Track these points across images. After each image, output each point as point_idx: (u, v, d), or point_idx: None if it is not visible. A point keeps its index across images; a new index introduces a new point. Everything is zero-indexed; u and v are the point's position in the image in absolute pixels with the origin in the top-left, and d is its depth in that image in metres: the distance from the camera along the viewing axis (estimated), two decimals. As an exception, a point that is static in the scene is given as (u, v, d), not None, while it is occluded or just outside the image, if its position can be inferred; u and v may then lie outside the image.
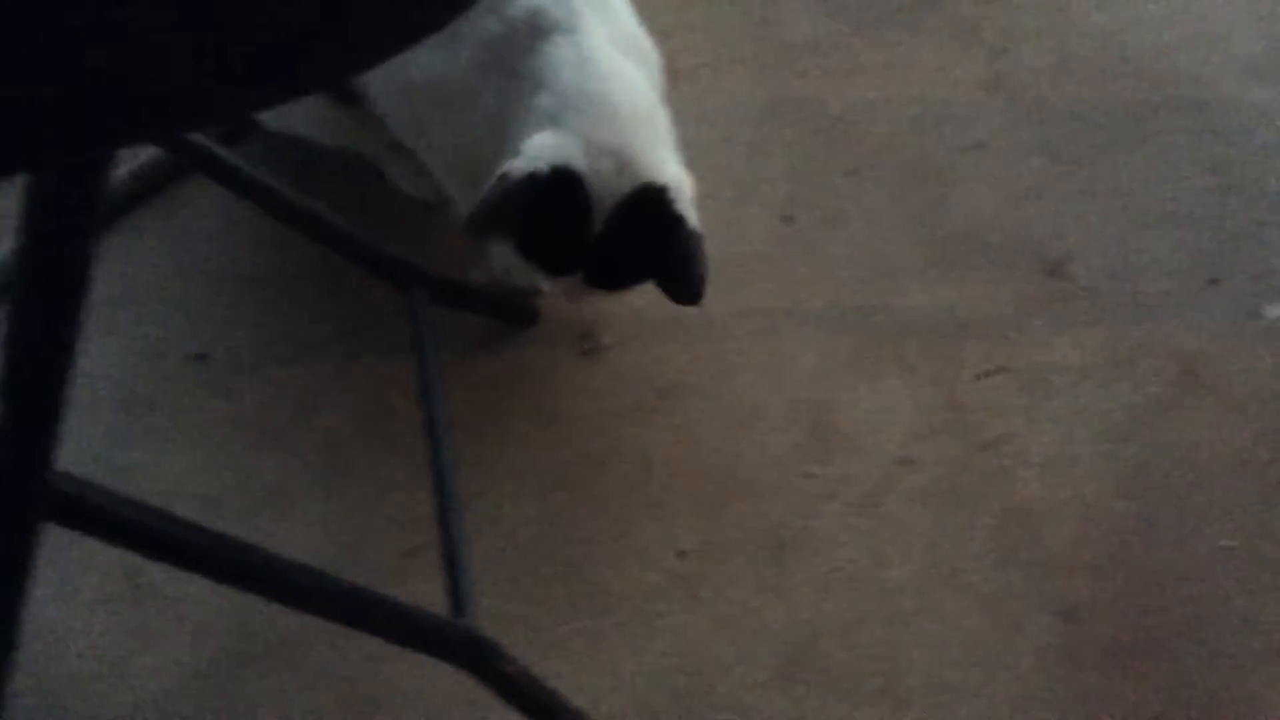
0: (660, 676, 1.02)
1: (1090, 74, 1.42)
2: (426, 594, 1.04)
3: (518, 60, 1.06)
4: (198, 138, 0.98)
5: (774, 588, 1.06)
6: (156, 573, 1.08)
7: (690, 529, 1.10)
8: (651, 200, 1.03)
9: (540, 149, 1.02)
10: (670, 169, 1.06)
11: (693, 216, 1.05)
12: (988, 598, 1.05)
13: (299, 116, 1.26)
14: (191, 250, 1.31)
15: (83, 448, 1.17)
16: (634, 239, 1.04)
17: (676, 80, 1.46)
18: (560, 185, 1.02)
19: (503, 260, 1.25)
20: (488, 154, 1.12)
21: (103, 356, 1.24)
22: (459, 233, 1.03)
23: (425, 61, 1.08)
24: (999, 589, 1.05)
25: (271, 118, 1.30)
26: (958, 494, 1.11)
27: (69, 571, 1.09)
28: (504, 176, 1.01)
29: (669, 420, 1.18)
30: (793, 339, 1.23)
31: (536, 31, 1.06)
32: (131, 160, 1.32)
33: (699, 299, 1.05)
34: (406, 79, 1.11)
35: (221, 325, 1.24)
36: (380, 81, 1.14)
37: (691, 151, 1.39)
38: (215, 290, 1.27)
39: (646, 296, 1.26)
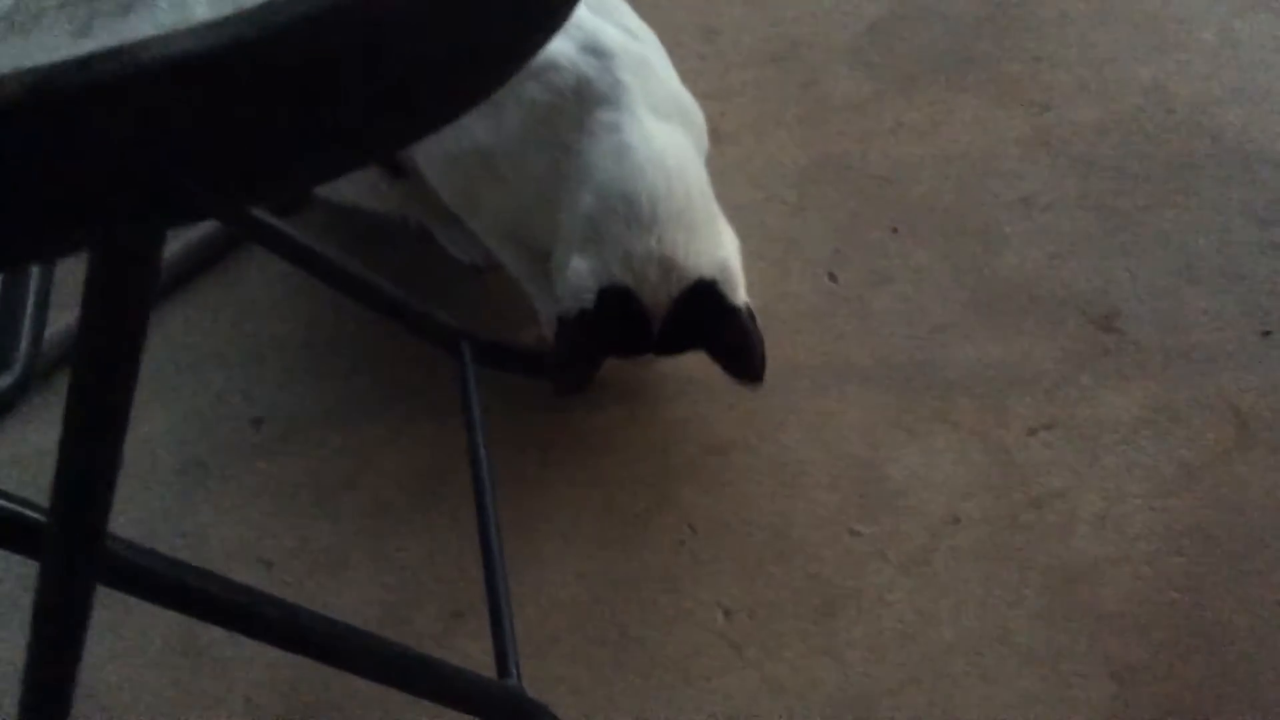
0: (707, 738, 1.01)
1: (1135, 128, 1.42)
2: (473, 655, 1.05)
3: (566, 133, 1.09)
4: (253, 210, 1.02)
5: (823, 648, 1.06)
6: (213, 636, 1.11)
7: (737, 588, 1.10)
8: (703, 294, 1.08)
9: (581, 279, 1.07)
10: (717, 253, 1.10)
11: (742, 297, 1.10)
12: (1039, 658, 1.03)
13: (350, 186, 1.30)
14: (248, 319, 1.35)
15: (144, 512, 1.21)
16: (695, 324, 1.09)
17: (720, 143, 1.48)
18: (613, 303, 1.06)
19: (554, 321, 1.27)
20: (536, 220, 1.15)
21: (164, 423, 1.27)
22: (552, 392, 1.12)
23: (470, 131, 1.12)
24: (1051, 649, 1.03)
25: (325, 189, 1.34)
26: (1007, 552, 1.10)
27: (129, 633, 1.11)
28: (561, 321, 1.08)
29: (715, 479, 1.18)
30: (839, 396, 1.23)
31: (582, 103, 1.08)
32: (189, 233, 1.36)
33: (760, 378, 1.10)
34: (453, 149, 1.14)
35: (276, 391, 1.27)
36: (426, 152, 1.17)
37: (736, 212, 1.41)
38: (270, 357, 1.31)
39: (694, 354, 1.27)
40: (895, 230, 1.36)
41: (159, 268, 0.47)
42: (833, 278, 1.33)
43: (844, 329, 1.29)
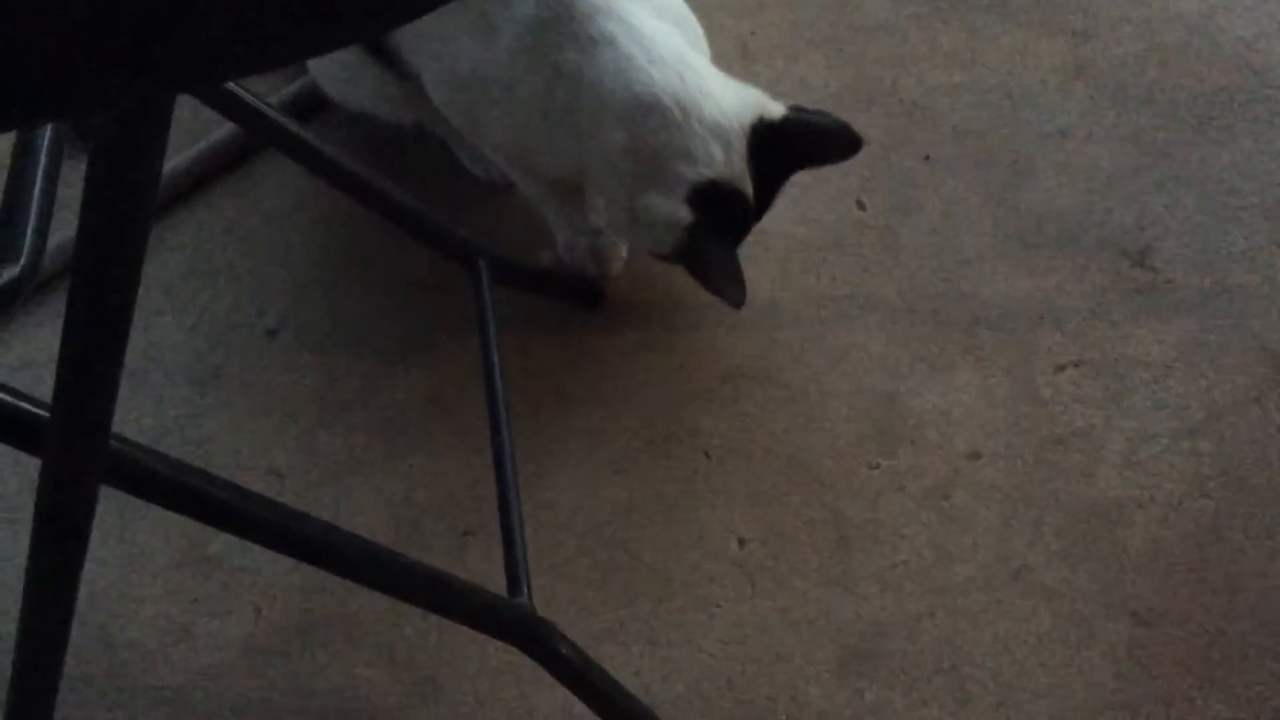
0: (716, 665, 1.00)
1: (1178, 61, 1.37)
2: (483, 574, 1.03)
3: (558, 51, 1.05)
4: (272, 113, 0.99)
5: (836, 579, 1.04)
6: (222, 545, 1.10)
7: (752, 518, 1.09)
8: (762, 134, 1.07)
9: (664, 208, 1.05)
10: (745, 96, 1.10)
11: (780, 107, 1.11)
12: (1058, 597, 1.02)
13: (367, 93, 1.27)
14: (263, 228, 1.33)
15: (155, 420, 1.19)
16: (775, 162, 1.09)
17: (749, 63, 1.44)
18: (705, 200, 1.05)
19: (572, 246, 1.24)
20: (543, 148, 1.12)
21: (175, 332, 1.26)
22: (735, 306, 1.08)
23: (467, 51, 1.08)
24: (1070, 589, 1.02)
25: (340, 94, 1.31)
26: (1029, 489, 1.08)
27: (137, 540, 1.10)
28: (687, 253, 1.07)
29: (733, 407, 1.16)
30: (863, 327, 1.20)
31: (573, 13, 1.05)
32: (205, 138, 1.33)
33: (859, 140, 1.11)
34: (452, 72, 1.11)
35: (291, 302, 1.25)
36: (430, 74, 1.14)
37: (763, 135, 1.37)
38: (286, 267, 1.28)
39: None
40: (927, 159, 1.32)
41: (162, 146, 0.44)
42: (861, 206, 1.30)
43: (870, 259, 1.26)
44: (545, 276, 1.24)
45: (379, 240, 1.25)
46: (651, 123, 1.04)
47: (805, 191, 1.31)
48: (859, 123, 1.36)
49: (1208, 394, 1.12)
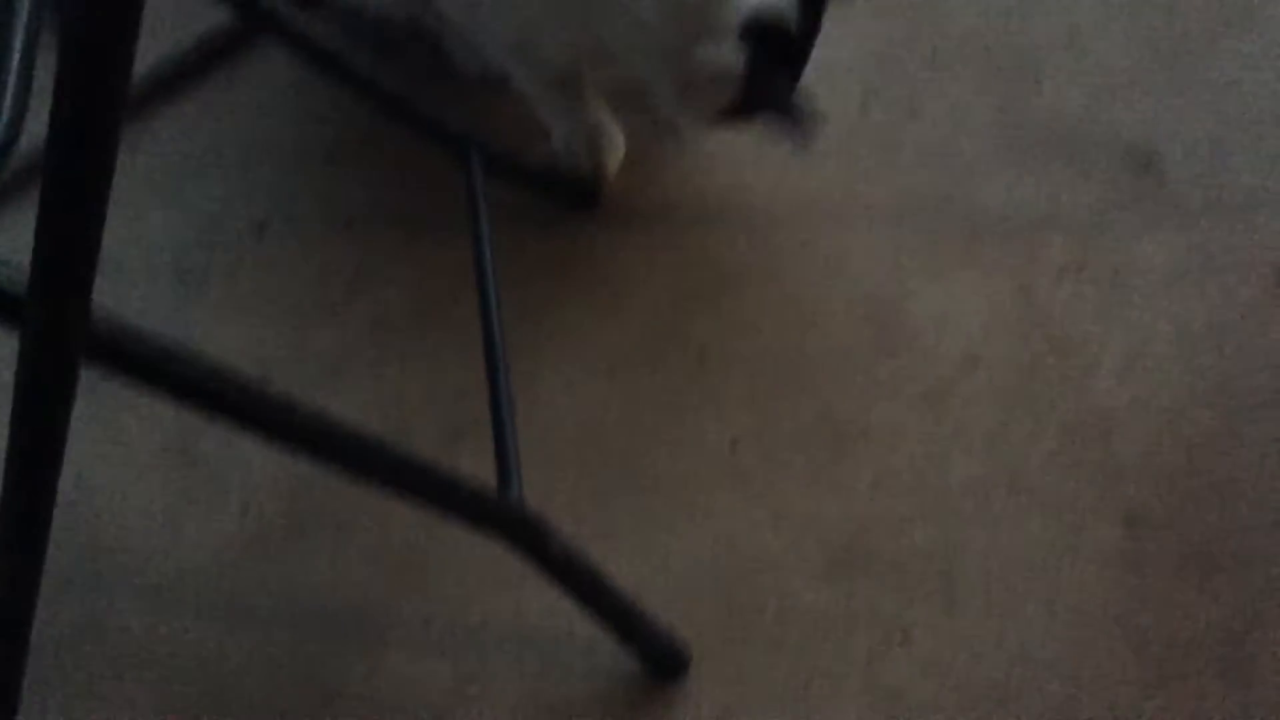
0: (706, 564, 1.00)
1: (1194, -37, 1.33)
2: (474, 475, 1.03)
3: None
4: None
5: (828, 482, 1.04)
6: (209, 442, 1.09)
7: (745, 419, 1.08)
8: None
9: (712, 59, 1.00)
10: None
11: None
12: (1051, 502, 1.01)
13: None
14: (253, 122, 1.30)
15: (140, 316, 1.16)
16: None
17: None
18: (759, 37, 1.00)
19: (569, 140, 1.21)
20: (540, 30, 1.08)
21: (162, 226, 1.23)
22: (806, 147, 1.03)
23: None
24: (1063, 494, 1.01)
25: None
26: (1026, 395, 1.07)
27: (122, 434, 1.09)
28: (747, 97, 1.01)
29: (728, 309, 1.14)
30: (862, 231, 1.18)
31: None
32: (191, 30, 1.30)
33: None
34: None
35: (281, 197, 1.23)
36: None
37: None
38: (276, 162, 1.26)
39: (711, 183, 1.23)
40: (932, 62, 1.29)
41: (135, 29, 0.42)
42: (863, 109, 1.27)
43: (870, 163, 1.23)
44: (540, 172, 1.21)
45: (369, 133, 1.22)
46: None
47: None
48: (863, 22, 1.33)
49: (1209, 305, 1.11)
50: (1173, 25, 1.29)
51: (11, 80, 0.63)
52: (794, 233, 1.19)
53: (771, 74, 1.01)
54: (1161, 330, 1.10)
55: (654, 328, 1.13)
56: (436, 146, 1.09)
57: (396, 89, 1.04)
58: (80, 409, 0.61)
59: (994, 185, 1.20)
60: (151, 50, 1.32)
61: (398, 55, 1.33)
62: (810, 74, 1.24)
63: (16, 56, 0.64)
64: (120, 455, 1.09)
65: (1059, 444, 1.04)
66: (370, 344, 1.14)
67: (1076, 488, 1.01)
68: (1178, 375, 1.07)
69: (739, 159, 1.25)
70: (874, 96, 1.28)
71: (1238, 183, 1.18)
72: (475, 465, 1.05)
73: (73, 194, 0.50)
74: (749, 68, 1.00)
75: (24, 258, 1.12)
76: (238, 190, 1.23)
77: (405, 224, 1.21)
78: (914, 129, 1.25)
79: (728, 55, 1.00)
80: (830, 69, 1.28)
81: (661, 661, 0.94)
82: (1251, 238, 1.14)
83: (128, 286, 1.19)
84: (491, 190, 1.11)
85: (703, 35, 1.00)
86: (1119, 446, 1.03)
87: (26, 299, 0.55)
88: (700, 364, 1.12)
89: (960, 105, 1.26)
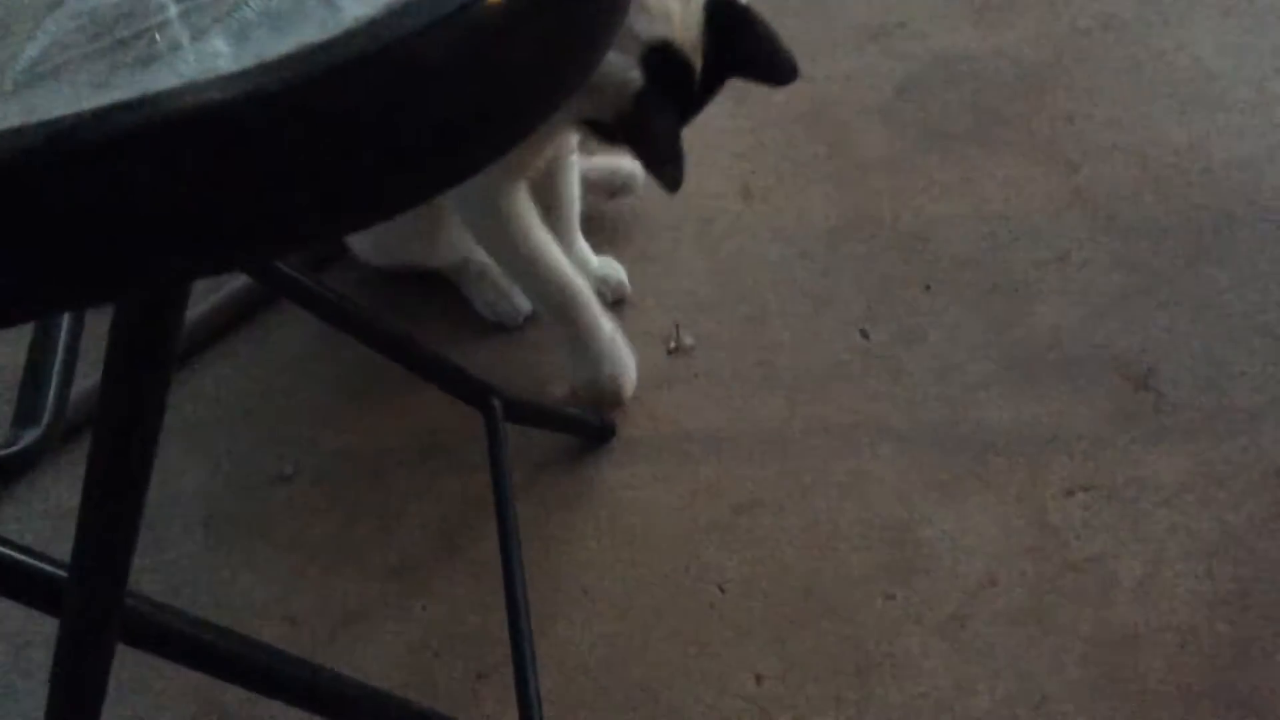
0: (737, 807, 0.99)
1: (1171, 187, 1.41)
2: (500, 717, 1.03)
3: None
4: (284, 266, 1.02)
5: (856, 715, 1.03)
6: (237, 697, 1.09)
7: (768, 652, 1.08)
8: (720, 7, 1.03)
9: (619, 63, 0.99)
10: None
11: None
12: (1081, 728, 1.00)
13: (411, 248, 1.32)
14: (279, 374, 1.35)
15: (171, 567, 1.20)
16: (723, 47, 1.04)
17: (750, 200, 1.48)
18: (658, 62, 1.00)
19: (589, 380, 1.25)
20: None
21: (193, 478, 1.27)
22: (669, 189, 1.03)
23: None
24: (1092, 718, 1.00)
25: (377, 258, 1.36)
26: (1047, 617, 1.07)
27: (150, 699, 1.10)
28: (629, 123, 1.01)
29: (745, 539, 1.16)
30: (872, 456, 1.21)
31: None
32: (220, 289, 1.37)
33: (797, 71, 1.07)
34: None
35: (306, 445, 1.27)
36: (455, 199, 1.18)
37: (767, 269, 1.40)
38: (301, 412, 1.30)
39: (724, 412, 1.26)
40: (928, 288, 1.35)
41: (181, 321, 0.46)
42: (865, 335, 1.32)
43: (877, 387, 1.27)
44: (556, 412, 1.26)
45: (393, 380, 1.27)
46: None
47: (808, 322, 1.34)
48: (860, 254, 1.40)
49: (1220, 517, 1.12)
50: (1157, 247, 1.34)
51: (53, 382, 0.67)
52: (806, 458, 1.22)
53: (658, 109, 1.01)
54: (1175, 545, 1.11)
55: (671, 561, 1.15)
56: (458, 395, 1.14)
57: (417, 343, 1.09)
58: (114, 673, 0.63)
59: (998, 405, 1.23)
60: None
61: (416, 303, 1.40)
62: (811, 307, 1.30)
63: (59, 357, 0.69)
64: (146, 712, 1.09)
65: (1083, 667, 1.03)
66: (395, 587, 1.16)
67: (1105, 712, 1.01)
68: (1196, 590, 1.08)
69: (748, 385, 1.29)
70: (875, 323, 1.33)
71: (1234, 396, 1.21)
72: (501, 706, 1.05)
73: (113, 500, 0.54)
74: (639, 93, 1.00)
75: (60, 520, 1.15)
76: (265, 439, 1.28)
77: (429, 466, 1.25)
78: (916, 353, 1.29)
79: (627, 68, 0.99)
80: (831, 299, 1.35)
81: None
82: (1254, 449, 1.17)
83: (158, 538, 1.22)
84: (512, 430, 1.15)
85: None
86: (1144, 667, 1.03)
87: (65, 594, 0.58)
88: (721, 596, 1.13)
89: (958, 328, 1.31)
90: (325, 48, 0.40)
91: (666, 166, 1.01)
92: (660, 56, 1.01)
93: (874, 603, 1.10)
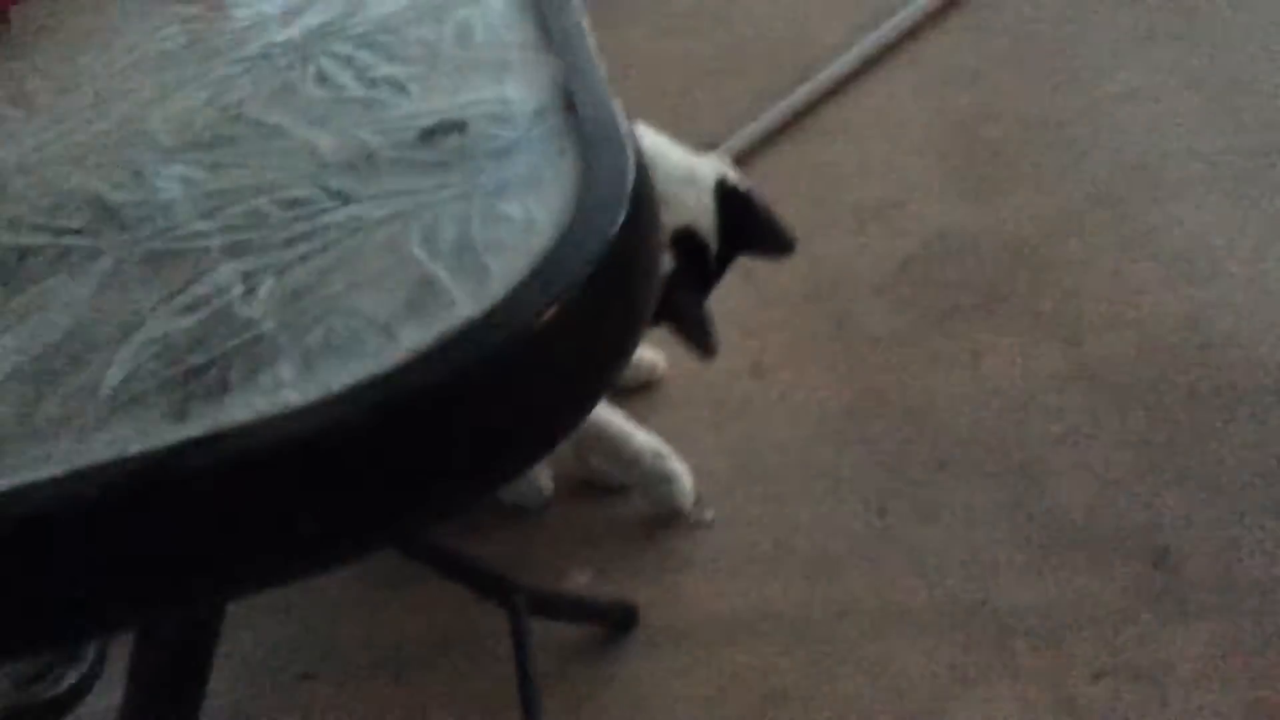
0: None
1: (1172, 359, 1.44)
2: None
3: None
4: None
5: None
6: None
7: None
8: (727, 193, 1.16)
9: None
10: (706, 158, 1.19)
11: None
12: None
13: None
14: (301, 565, 1.36)
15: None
16: (733, 228, 1.17)
17: (760, 378, 1.51)
18: (684, 244, 1.12)
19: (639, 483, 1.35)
20: None
21: (218, 678, 1.26)
22: (706, 357, 1.16)
23: None
24: None
25: None
26: (1080, 808, 1.06)
27: None
28: (666, 301, 1.08)
29: (773, 731, 1.16)
30: (895, 639, 1.21)
31: None
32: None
33: (795, 243, 1.21)
34: None
35: (330, 644, 1.27)
36: None
37: (779, 449, 1.43)
38: (324, 609, 1.31)
39: (745, 596, 1.27)
40: (941, 465, 1.37)
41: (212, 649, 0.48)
42: (881, 515, 1.33)
43: (895, 568, 1.28)
44: (580, 603, 1.26)
45: (410, 577, 1.28)
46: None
47: (822, 502, 1.36)
48: (871, 431, 1.42)
49: (1246, 695, 1.12)
50: (1162, 420, 1.37)
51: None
52: (830, 645, 1.22)
53: (688, 289, 1.11)
54: (1204, 728, 1.10)
55: (701, 756, 1.14)
56: (481, 592, 1.15)
57: (438, 544, 1.11)
58: None
59: (1018, 586, 1.24)
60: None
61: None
62: (825, 486, 1.32)
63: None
64: None
65: None
66: (420, 791, 1.15)
67: None
68: (1229, 775, 1.07)
69: (768, 567, 1.30)
70: (889, 502, 1.34)
71: (1249, 570, 1.22)
72: None
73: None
74: (671, 276, 1.10)
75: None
76: (290, 639, 1.28)
77: (450, 657, 1.25)
78: (932, 533, 1.31)
79: None
80: (845, 478, 1.37)
81: None
82: (1273, 623, 1.17)
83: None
84: (533, 623, 1.15)
85: None
86: None
87: None
88: (750, 791, 1.12)
89: (972, 507, 1.32)
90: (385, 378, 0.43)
91: (703, 336, 1.13)
92: (684, 241, 1.13)
93: (906, 796, 1.09)
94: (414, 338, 0.46)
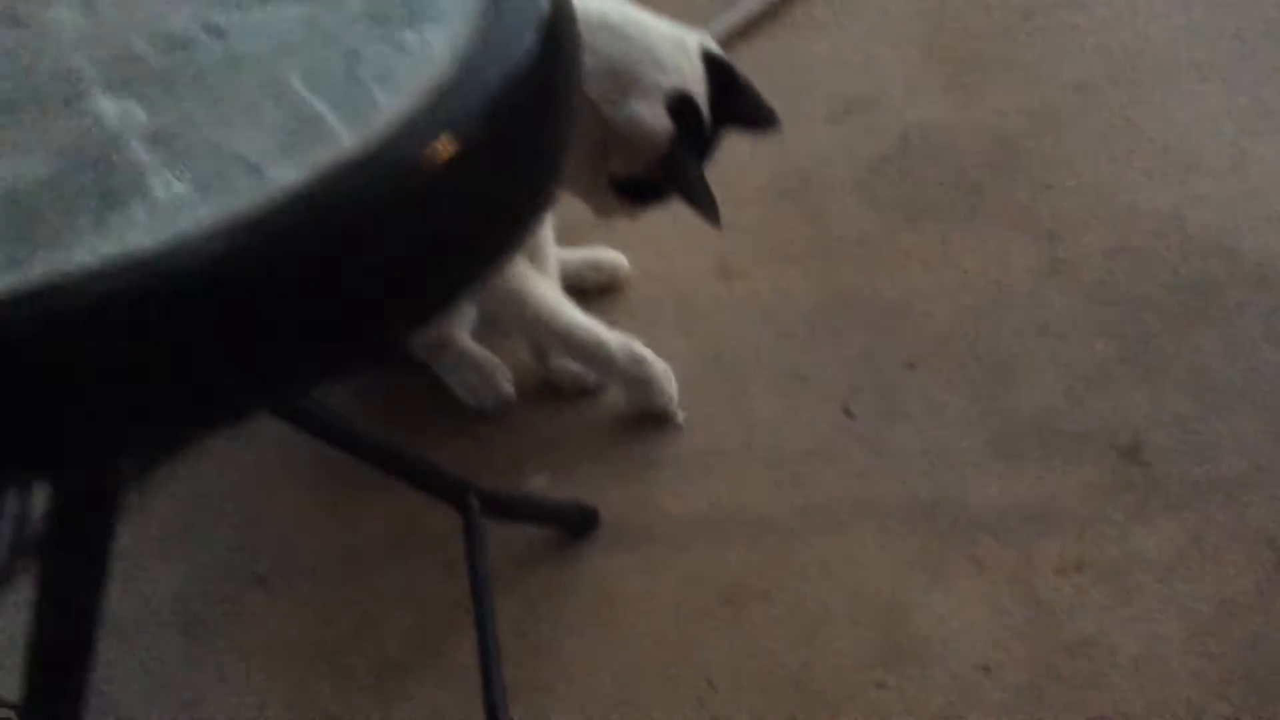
0: None
1: (1150, 255, 1.40)
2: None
3: None
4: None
5: (851, 812, 1.00)
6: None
7: (759, 749, 1.05)
8: (713, 61, 1.16)
9: (649, 112, 1.11)
10: (692, 29, 1.17)
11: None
12: (1083, 820, 0.97)
13: None
14: (254, 476, 1.33)
15: (147, 673, 1.17)
16: (721, 98, 1.15)
17: (730, 278, 1.47)
18: (683, 108, 1.12)
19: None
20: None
21: (167, 581, 1.24)
22: (715, 224, 1.14)
23: None
24: (1095, 809, 0.98)
25: None
26: (1042, 703, 1.05)
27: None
28: (666, 164, 1.11)
29: (734, 629, 1.14)
30: (860, 538, 1.19)
31: None
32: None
33: (778, 119, 1.18)
34: None
35: (282, 546, 1.25)
36: None
37: (749, 347, 1.39)
38: (277, 511, 1.28)
39: (709, 495, 1.24)
40: (911, 365, 1.34)
41: (117, 505, 0.45)
42: (848, 414, 1.30)
43: (862, 467, 1.25)
44: (538, 505, 1.24)
45: (369, 477, 1.25)
46: (607, 36, 1.10)
47: (792, 401, 1.32)
48: (842, 330, 1.39)
49: (1214, 591, 1.10)
50: (1138, 315, 1.34)
51: (5, 519, 0.66)
52: (792, 542, 1.20)
53: (687, 148, 1.10)
54: (1168, 622, 1.09)
55: (659, 655, 1.12)
56: (435, 494, 1.12)
57: (391, 444, 1.08)
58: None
59: (985, 483, 1.22)
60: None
61: (393, 394, 1.38)
62: (795, 386, 1.29)
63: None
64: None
65: (1083, 754, 1.01)
66: (373, 692, 1.12)
67: (1107, 801, 0.98)
68: (1192, 669, 1.05)
69: (733, 467, 1.27)
70: (857, 401, 1.31)
71: (1222, 464, 1.19)
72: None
73: (63, 635, 0.52)
74: (673, 138, 1.09)
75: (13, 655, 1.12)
76: (241, 542, 1.25)
77: (407, 564, 1.22)
78: (900, 430, 1.28)
79: (659, 115, 1.10)
80: (814, 377, 1.34)
81: None
82: (1244, 519, 1.15)
83: (132, 645, 1.19)
84: (491, 525, 1.13)
85: (634, 93, 1.10)
86: (1145, 752, 1.00)
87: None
88: (708, 689, 1.10)
89: (941, 404, 1.29)
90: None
91: (708, 202, 1.11)
92: (681, 105, 1.12)
93: (866, 692, 1.08)
94: (286, 176, 0.41)
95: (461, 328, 1.39)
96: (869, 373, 1.34)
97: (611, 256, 1.48)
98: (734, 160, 1.64)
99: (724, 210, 1.54)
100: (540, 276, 1.28)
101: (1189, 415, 1.24)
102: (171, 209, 0.39)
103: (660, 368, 1.33)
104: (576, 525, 1.23)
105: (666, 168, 1.11)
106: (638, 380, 1.32)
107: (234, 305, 0.39)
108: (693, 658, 1.12)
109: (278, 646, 1.17)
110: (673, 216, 1.50)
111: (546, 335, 1.30)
